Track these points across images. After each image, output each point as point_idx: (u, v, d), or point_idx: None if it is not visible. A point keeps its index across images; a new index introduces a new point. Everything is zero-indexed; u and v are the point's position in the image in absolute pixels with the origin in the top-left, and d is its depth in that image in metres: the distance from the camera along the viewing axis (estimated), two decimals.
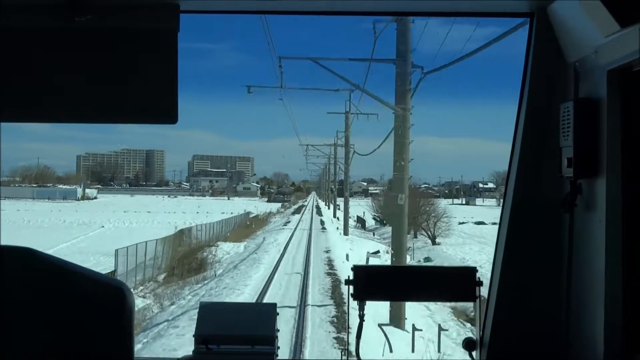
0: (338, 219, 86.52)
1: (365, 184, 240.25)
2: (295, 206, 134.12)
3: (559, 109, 3.40)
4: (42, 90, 3.01)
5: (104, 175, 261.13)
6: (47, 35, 2.98)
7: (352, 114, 50.73)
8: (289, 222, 79.33)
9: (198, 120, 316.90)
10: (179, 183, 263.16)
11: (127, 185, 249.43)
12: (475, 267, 3.60)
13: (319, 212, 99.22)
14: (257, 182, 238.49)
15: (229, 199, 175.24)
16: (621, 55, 2.93)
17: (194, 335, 3.33)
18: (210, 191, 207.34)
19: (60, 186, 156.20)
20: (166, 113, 3.01)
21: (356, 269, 3.57)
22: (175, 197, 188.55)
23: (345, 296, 14.09)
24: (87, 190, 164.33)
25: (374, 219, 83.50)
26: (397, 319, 22.59)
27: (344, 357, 5.19)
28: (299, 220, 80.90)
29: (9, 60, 2.93)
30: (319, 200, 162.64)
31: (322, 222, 74.07)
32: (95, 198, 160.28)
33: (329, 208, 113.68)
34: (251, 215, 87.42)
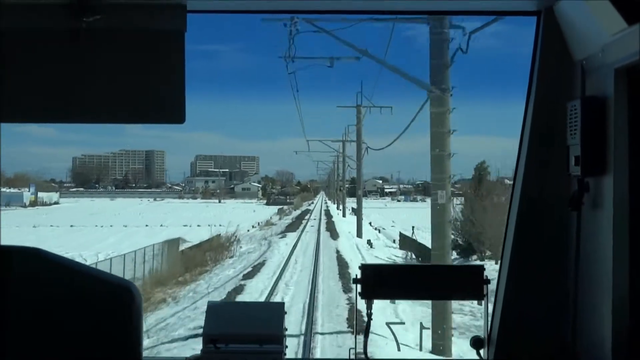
0: (371, 244, 44.30)
1: (381, 181, 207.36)
2: (297, 212, 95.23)
3: (566, 108, 3.46)
4: (50, 91, 3.06)
5: (89, 178, 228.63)
6: (55, 35, 3.03)
7: (365, 107, 46.70)
8: (255, 273, 31.53)
9: (204, 121, 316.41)
10: (171, 185, 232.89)
11: (113, 188, 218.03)
12: (482, 265, 3.65)
13: (331, 226, 59.33)
14: (259, 182, 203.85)
15: (220, 201, 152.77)
16: (628, 53, 2.97)
17: (202, 335, 3.35)
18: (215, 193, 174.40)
19: (5, 190, 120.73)
20: (173, 113, 3.04)
21: (364, 267, 3.60)
22: (162, 199, 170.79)
23: None
24: (45, 194, 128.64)
25: (456, 245, 38.99)
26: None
27: (352, 357, 3.86)
28: (285, 264, 34.72)
29: (16, 60, 2.99)
30: (329, 202, 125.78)
31: (340, 265, 31.67)
32: (56, 203, 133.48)
33: (344, 215, 74.65)
34: (186, 246, 41.95)
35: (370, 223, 67.84)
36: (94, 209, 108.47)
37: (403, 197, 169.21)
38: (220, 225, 64.02)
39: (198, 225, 65.45)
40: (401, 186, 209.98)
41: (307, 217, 76.67)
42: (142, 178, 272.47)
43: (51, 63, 3.01)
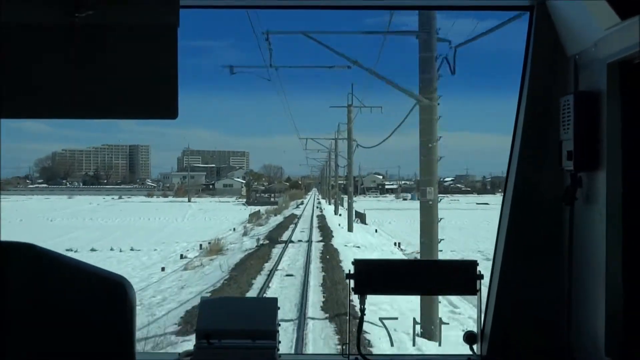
0: None
1: (381, 177, 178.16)
2: (278, 218, 64.41)
3: (559, 102, 3.49)
4: (42, 87, 3.01)
5: (57, 173, 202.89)
6: (46, 30, 2.98)
7: (356, 107, 44.42)
8: None
9: (194, 117, 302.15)
10: (149, 181, 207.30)
11: (81, 184, 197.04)
12: (475, 261, 3.65)
13: (337, 282, 22.28)
14: (243, 177, 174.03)
15: (189, 200, 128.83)
16: (621, 48, 3.02)
17: (195, 330, 3.35)
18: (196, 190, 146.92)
19: None
20: (166, 108, 2.97)
21: (357, 263, 3.59)
22: (129, 197, 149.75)
23: None
24: None
25: None
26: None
27: (344, 352, 3.80)
28: None
29: (7, 56, 2.95)
30: (322, 202, 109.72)
31: None
32: None
33: (349, 230, 43.01)
34: None
35: (398, 245, 37.62)
36: (22, 210, 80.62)
37: (410, 195, 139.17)
38: (130, 251, 34.05)
39: (91, 250, 35.63)
40: (401, 182, 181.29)
41: (287, 235, 43.69)
42: (123, 173, 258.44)
43: (43, 59, 2.93)
